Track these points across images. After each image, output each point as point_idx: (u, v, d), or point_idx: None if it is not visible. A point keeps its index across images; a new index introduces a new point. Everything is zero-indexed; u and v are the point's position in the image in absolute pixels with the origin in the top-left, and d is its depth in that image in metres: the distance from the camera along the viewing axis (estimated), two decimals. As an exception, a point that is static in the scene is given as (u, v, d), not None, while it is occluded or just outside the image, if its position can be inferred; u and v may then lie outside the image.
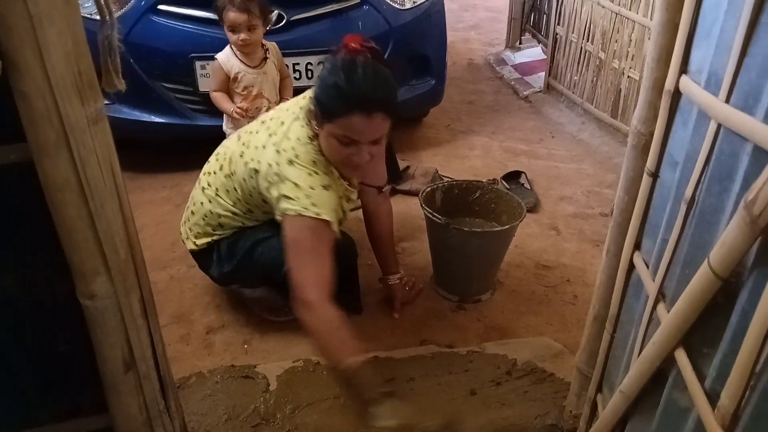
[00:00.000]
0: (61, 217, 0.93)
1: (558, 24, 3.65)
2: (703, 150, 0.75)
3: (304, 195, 1.48)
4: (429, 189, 2.10)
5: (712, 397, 0.70)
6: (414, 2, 2.87)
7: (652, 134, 0.95)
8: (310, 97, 1.53)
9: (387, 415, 1.23)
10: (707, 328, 0.73)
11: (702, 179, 0.76)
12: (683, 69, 0.85)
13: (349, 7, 2.69)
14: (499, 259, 2.07)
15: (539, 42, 4.47)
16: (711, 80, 0.76)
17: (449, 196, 2.14)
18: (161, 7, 2.50)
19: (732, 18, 0.71)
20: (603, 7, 3.13)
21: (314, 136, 1.55)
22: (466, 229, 1.91)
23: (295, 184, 1.49)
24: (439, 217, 1.91)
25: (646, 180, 0.96)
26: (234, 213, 1.71)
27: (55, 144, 0.87)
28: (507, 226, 1.93)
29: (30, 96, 0.83)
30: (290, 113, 1.64)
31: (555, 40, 3.70)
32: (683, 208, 0.80)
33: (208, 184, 1.76)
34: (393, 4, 2.80)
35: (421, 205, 1.97)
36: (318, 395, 1.54)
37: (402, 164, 2.82)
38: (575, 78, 3.53)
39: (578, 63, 3.48)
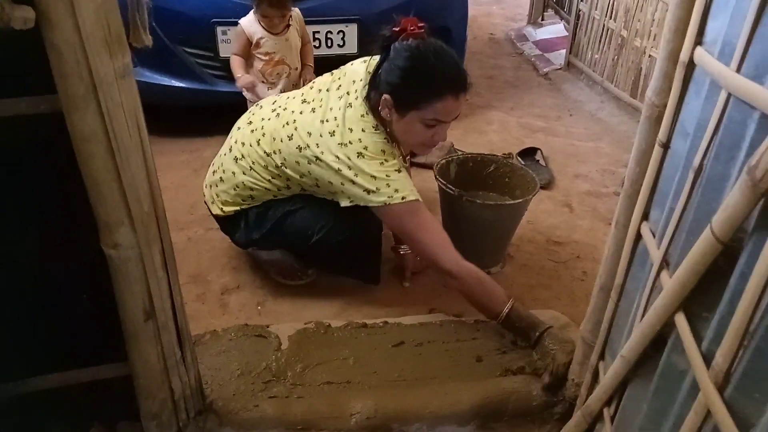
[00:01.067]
0: (88, 169, 0.97)
1: (581, 0, 3.61)
2: (712, 119, 0.77)
3: (384, 184, 1.54)
4: (444, 161, 2.11)
5: (708, 358, 0.73)
6: (436, -27, 2.86)
7: (665, 106, 0.96)
8: (383, 86, 1.54)
9: (552, 342, 1.49)
10: (707, 292, 0.76)
11: (710, 148, 0.78)
12: (698, 40, 0.86)
13: (372, -24, 2.70)
14: (511, 233, 2.09)
15: (562, 18, 4.43)
16: (724, 50, 0.77)
17: (464, 169, 2.16)
18: (185, -28, 2.53)
19: (749, -12, 0.72)
20: (628, -16, 3.10)
21: (378, 125, 1.59)
22: (478, 201, 1.93)
23: (372, 177, 1.54)
24: (453, 188, 1.93)
25: (657, 150, 0.97)
26: (267, 188, 1.74)
27: (84, 96, 0.90)
28: (519, 200, 1.95)
29: (61, 48, 0.86)
30: (336, 97, 1.65)
31: (578, 17, 3.67)
32: (691, 176, 0.81)
33: (242, 156, 1.77)
34: (415, -25, 2.79)
35: (435, 177, 1.99)
36: (328, 355, 1.58)
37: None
38: (596, 56, 3.51)
39: (600, 41, 3.45)
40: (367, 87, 1.60)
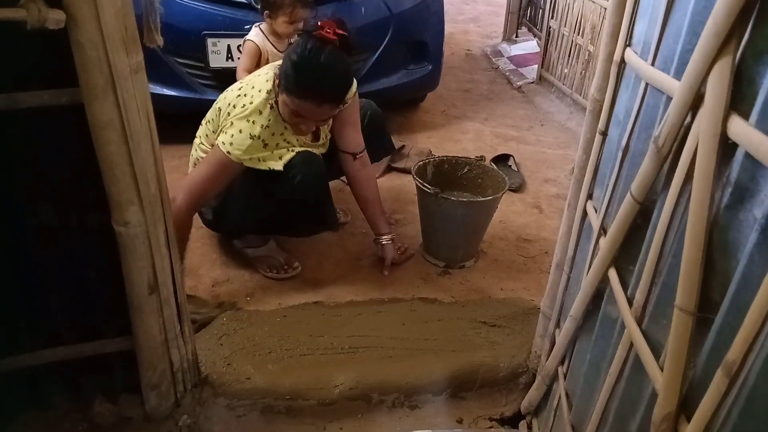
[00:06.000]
0: (104, 153, 1.10)
1: (552, 18, 3.83)
2: (635, 106, 0.93)
3: (230, 135, 1.72)
4: (421, 163, 2.27)
5: (631, 300, 0.88)
6: (414, -10, 3.04)
7: (604, 100, 1.12)
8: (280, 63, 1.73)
9: None
10: (631, 248, 0.91)
11: (634, 130, 0.94)
12: (628, 42, 1.02)
13: (353, -8, 2.87)
14: (483, 229, 2.25)
15: (534, 35, 4.65)
16: (644, 49, 0.93)
17: (440, 171, 2.31)
18: (177, -14, 2.67)
19: (660, -2, 0.88)
20: (593, 2, 3.30)
21: (272, 90, 1.75)
22: (453, 198, 2.09)
23: (231, 123, 1.73)
24: (429, 187, 2.08)
25: (597, 138, 1.13)
26: None
27: (103, 88, 1.04)
28: (490, 197, 2.10)
29: (85, 46, 1.00)
30: (267, 67, 1.85)
31: (548, 34, 3.88)
32: (620, 155, 0.97)
33: (197, 136, 2.00)
34: (394, -8, 2.98)
35: (413, 176, 2.14)
36: (313, 333, 1.71)
37: (398, 144, 2.99)
38: (566, 70, 3.71)
39: (569, 55, 3.65)
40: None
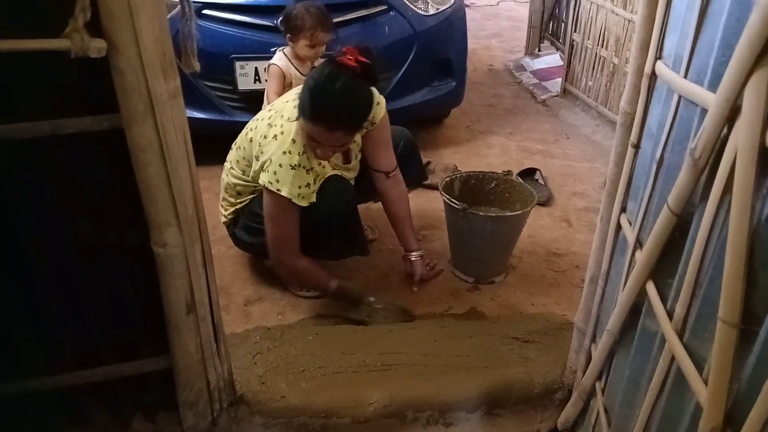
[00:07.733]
0: (143, 175, 1.13)
1: (574, 31, 3.82)
2: (669, 118, 0.93)
3: (272, 171, 1.72)
4: (448, 179, 2.27)
5: (671, 314, 0.87)
6: (437, 9, 3.07)
7: (635, 113, 1.12)
8: None
9: (377, 300, 1.96)
10: (669, 261, 0.91)
11: (668, 142, 0.94)
12: (659, 55, 1.03)
13: (376, 12, 2.91)
14: (512, 244, 2.24)
15: (557, 49, 4.64)
16: (676, 62, 0.93)
17: (467, 186, 2.31)
18: (206, 11, 2.73)
19: (691, 11, 0.89)
20: (617, 14, 3.30)
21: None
22: (481, 213, 2.09)
23: (270, 159, 1.73)
24: (457, 202, 2.09)
25: (630, 151, 1.13)
26: (246, 181, 1.92)
27: (143, 113, 1.07)
28: (519, 212, 2.10)
29: (125, 72, 1.03)
30: (294, 94, 1.85)
31: (571, 47, 3.87)
32: (654, 168, 0.97)
33: (228, 161, 2.02)
34: (417, 11, 3.01)
35: (441, 192, 2.15)
36: (345, 351, 1.71)
37: (423, 160, 3.00)
38: (590, 83, 3.69)
39: (593, 68, 3.64)
40: None
